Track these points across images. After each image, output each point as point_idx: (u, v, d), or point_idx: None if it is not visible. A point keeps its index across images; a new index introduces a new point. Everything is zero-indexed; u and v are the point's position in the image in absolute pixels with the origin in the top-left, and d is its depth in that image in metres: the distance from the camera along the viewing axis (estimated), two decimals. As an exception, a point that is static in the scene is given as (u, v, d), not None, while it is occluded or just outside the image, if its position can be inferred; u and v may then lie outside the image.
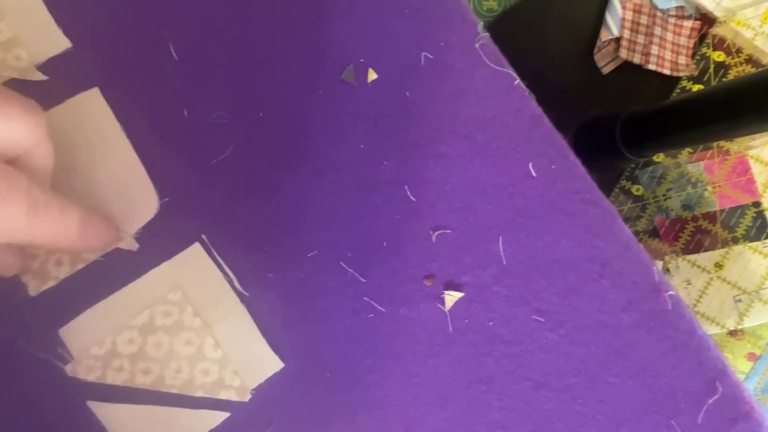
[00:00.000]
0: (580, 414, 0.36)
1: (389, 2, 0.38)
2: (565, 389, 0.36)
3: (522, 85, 0.37)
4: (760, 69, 0.80)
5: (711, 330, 0.72)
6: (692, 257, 0.79)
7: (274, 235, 0.36)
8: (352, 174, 0.37)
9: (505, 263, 0.36)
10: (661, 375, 0.36)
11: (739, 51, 0.78)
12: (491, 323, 0.36)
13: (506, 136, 0.37)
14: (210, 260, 0.35)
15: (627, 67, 0.93)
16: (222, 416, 0.35)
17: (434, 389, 0.36)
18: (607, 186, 0.85)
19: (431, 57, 0.37)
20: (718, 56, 0.77)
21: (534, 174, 0.37)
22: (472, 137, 0.37)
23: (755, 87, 0.67)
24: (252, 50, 0.37)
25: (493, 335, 0.36)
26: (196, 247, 0.36)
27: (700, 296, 0.76)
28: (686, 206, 0.83)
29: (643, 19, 0.92)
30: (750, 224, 0.75)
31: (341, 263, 0.36)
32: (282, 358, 0.35)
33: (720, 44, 0.76)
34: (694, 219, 0.78)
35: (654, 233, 0.80)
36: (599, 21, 0.94)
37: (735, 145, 0.83)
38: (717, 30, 0.82)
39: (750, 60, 0.82)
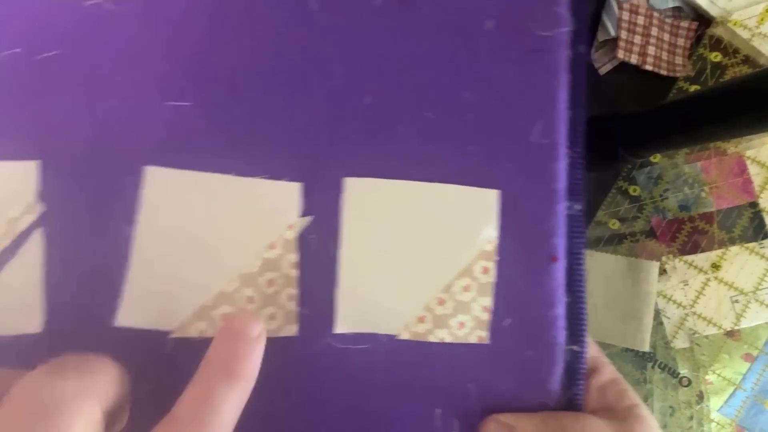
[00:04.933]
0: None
1: None
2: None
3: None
4: (757, 69, 0.79)
5: (708, 331, 0.71)
6: (689, 258, 0.78)
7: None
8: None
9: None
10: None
11: (736, 51, 0.79)
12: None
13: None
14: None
15: (624, 67, 0.92)
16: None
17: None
18: (604, 187, 0.83)
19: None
20: (715, 57, 0.78)
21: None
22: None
23: (752, 88, 0.66)
24: None
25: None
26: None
27: (697, 297, 0.74)
28: (683, 207, 0.83)
29: (640, 20, 0.91)
30: (747, 225, 0.74)
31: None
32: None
33: (717, 45, 0.77)
34: (691, 220, 0.79)
35: (651, 234, 0.78)
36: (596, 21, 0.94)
37: (732, 146, 0.83)
38: (714, 30, 0.83)
39: (747, 60, 0.82)
